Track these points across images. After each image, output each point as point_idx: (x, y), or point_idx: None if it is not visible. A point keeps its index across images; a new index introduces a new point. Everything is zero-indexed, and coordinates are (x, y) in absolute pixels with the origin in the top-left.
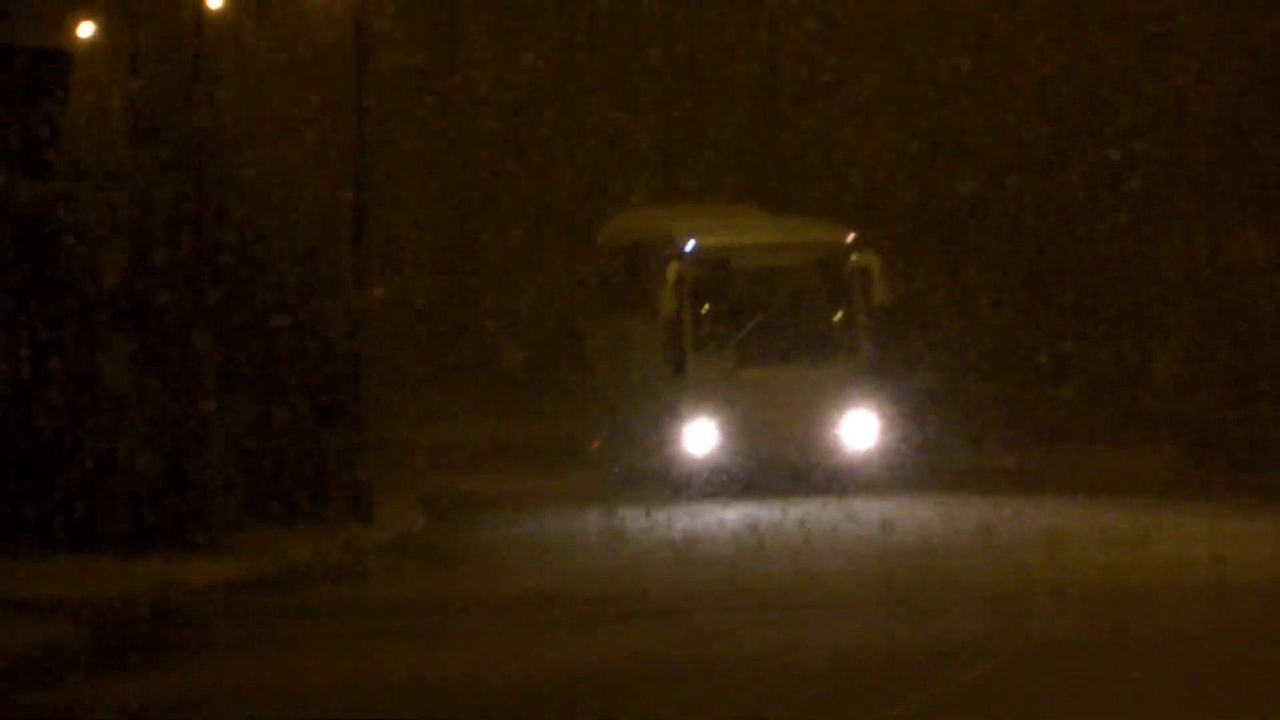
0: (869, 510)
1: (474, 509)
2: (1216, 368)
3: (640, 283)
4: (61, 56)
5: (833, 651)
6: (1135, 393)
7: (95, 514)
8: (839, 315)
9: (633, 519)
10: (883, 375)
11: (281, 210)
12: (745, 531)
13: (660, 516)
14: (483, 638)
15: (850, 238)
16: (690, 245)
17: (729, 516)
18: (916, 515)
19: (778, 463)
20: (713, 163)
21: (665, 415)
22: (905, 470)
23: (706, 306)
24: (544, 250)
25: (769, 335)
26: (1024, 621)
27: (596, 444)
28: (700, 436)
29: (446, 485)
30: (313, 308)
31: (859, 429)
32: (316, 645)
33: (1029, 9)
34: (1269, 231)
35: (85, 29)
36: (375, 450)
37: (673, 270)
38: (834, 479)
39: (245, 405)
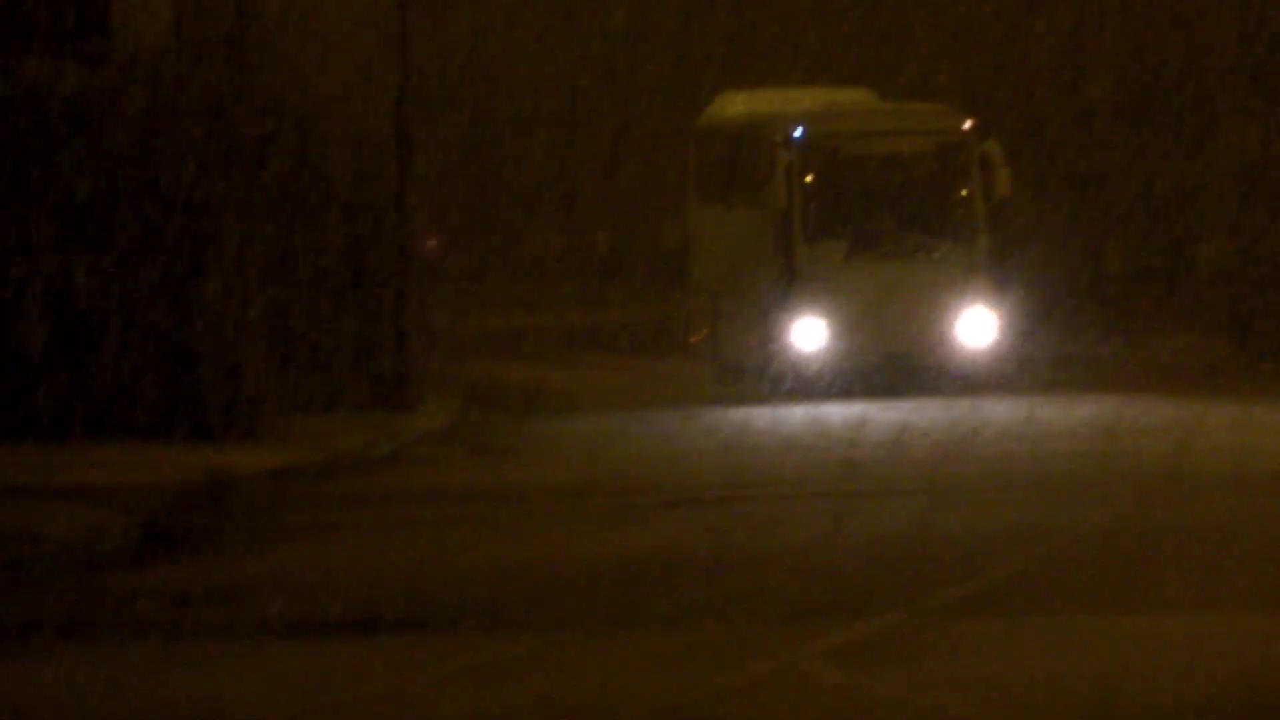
0: (974, 409)
1: (533, 402)
2: (1263, 257)
3: (745, 170)
4: None
5: (879, 538)
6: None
7: (135, 401)
8: (957, 206)
9: (718, 415)
10: (1001, 269)
11: (325, 103)
12: (825, 426)
13: (747, 412)
14: (526, 526)
15: (970, 124)
16: (800, 131)
17: (820, 412)
18: (1016, 411)
19: (889, 360)
20: (811, 44)
21: (771, 309)
22: (1018, 368)
23: (816, 197)
24: (631, 138)
25: (882, 226)
26: (1077, 510)
27: (697, 338)
28: (808, 332)
29: (505, 377)
30: (360, 198)
31: (976, 326)
32: (359, 533)
33: None
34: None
35: None
36: (428, 339)
37: (781, 157)
38: (948, 378)
39: (289, 292)
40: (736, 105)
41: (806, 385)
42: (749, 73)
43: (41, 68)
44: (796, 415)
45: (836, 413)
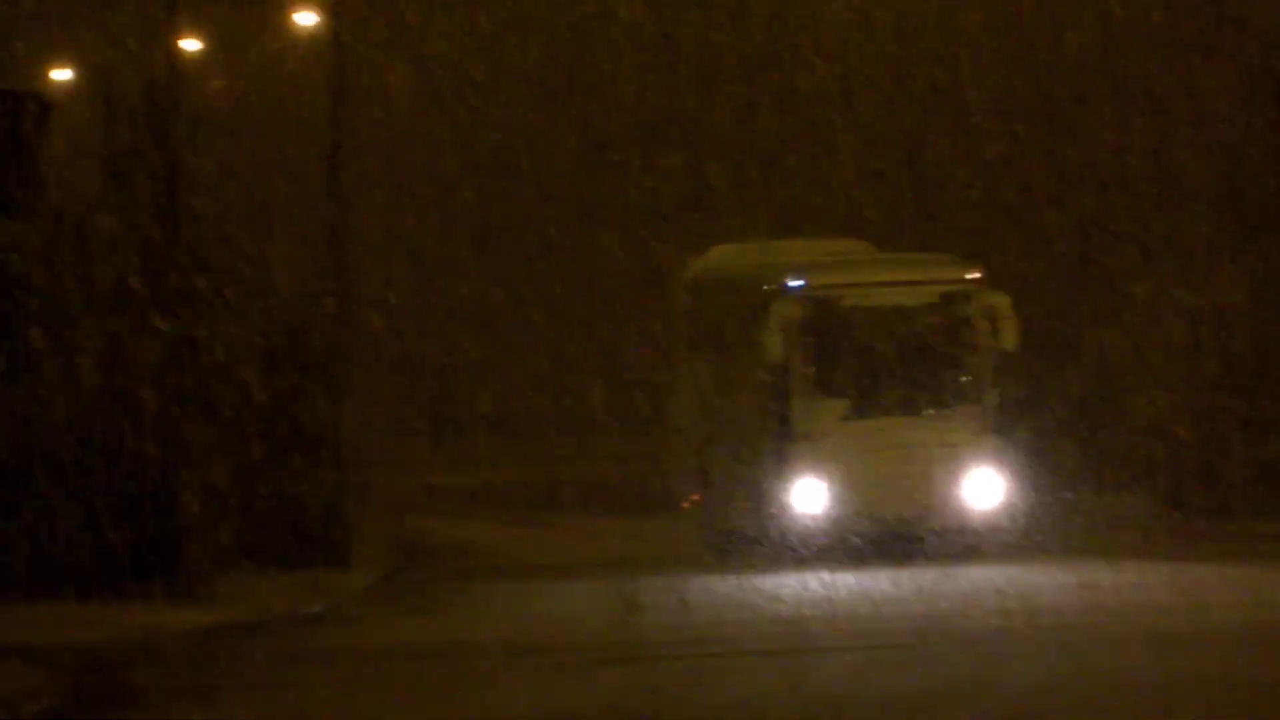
0: (964, 575)
1: (473, 560)
2: (1190, 410)
3: (740, 323)
4: (38, 101)
5: (807, 699)
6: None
7: (74, 558)
8: (963, 360)
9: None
10: (1010, 427)
11: (260, 251)
12: (786, 589)
13: (724, 578)
14: (461, 685)
15: (975, 275)
16: (799, 282)
17: (804, 578)
18: (1002, 577)
19: (893, 525)
20: (799, 198)
21: (767, 469)
22: (1029, 532)
23: (816, 350)
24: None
25: (885, 382)
26: (1006, 666)
27: (688, 503)
28: (807, 494)
29: (448, 534)
30: (293, 350)
31: (984, 487)
32: (296, 692)
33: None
34: (1244, 272)
35: (61, 74)
36: (362, 496)
37: (779, 309)
38: (954, 543)
39: (223, 450)
40: (730, 257)
41: (805, 551)
42: (715, 228)
43: None
44: (772, 580)
45: (817, 579)
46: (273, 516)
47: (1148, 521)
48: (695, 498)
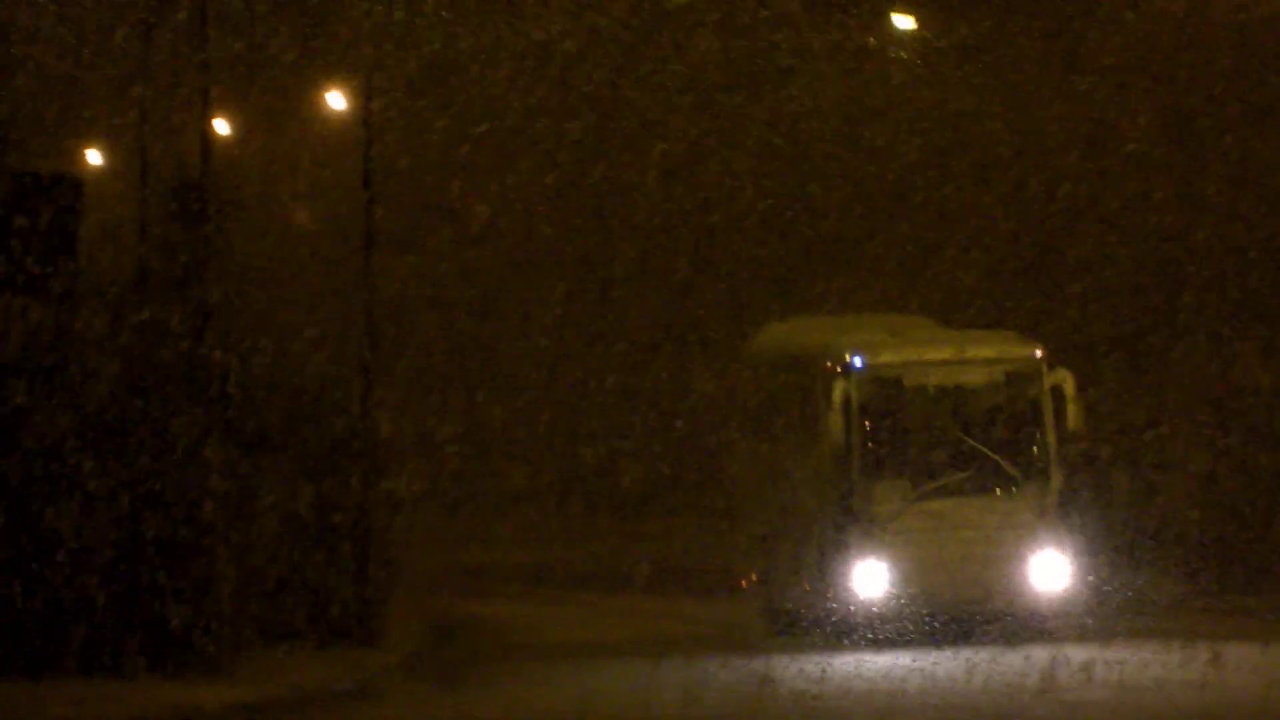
0: (1022, 659)
1: (502, 639)
2: (1220, 492)
3: (798, 401)
4: (72, 182)
5: None
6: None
7: (104, 637)
8: (1027, 441)
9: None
10: (1077, 509)
11: (290, 336)
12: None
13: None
14: None
15: (1039, 352)
16: (859, 361)
17: (855, 659)
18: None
19: (957, 608)
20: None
21: (829, 552)
22: (1098, 616)
23: (877, 430)
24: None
25: (948, 463)
26: None
27: (746, 582)
28: (868, 576)
29: (485, 612)
30: (322, 429)
31: (1049, 570)
32: None
33: None
34: (1271, 354)
35: (93, 156)
36: (391, 573)
37: (839, 388)
38: (1019, 626)
39: (252, 527)
40: (787, 333)
41: (866, 634)
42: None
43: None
44: (826, 662)
45: (874, 660)
46: (303, 595)
47: (1214, 603)
48: (754, 577)
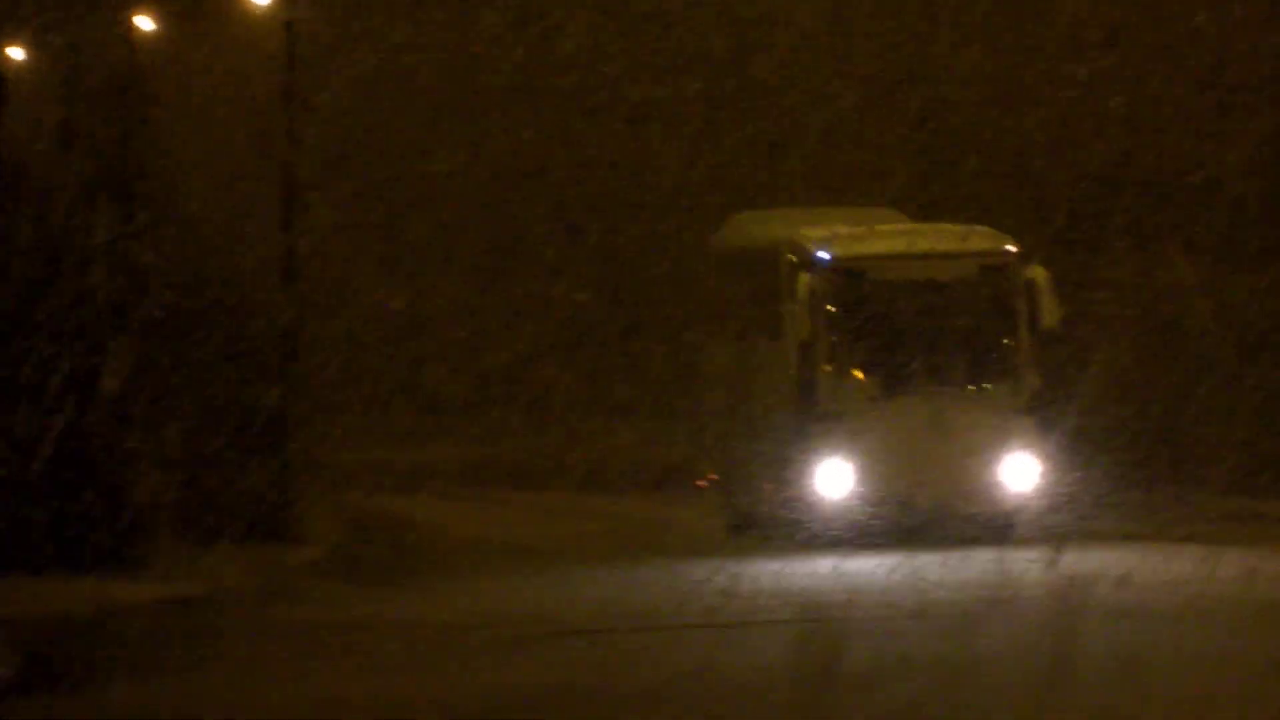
0: (974, 560)
1: (425, 538)
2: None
3: (763, 296)
4: None
5: (758, 669)
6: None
7: (19, 534)
8: (999, 337)
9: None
10: (1050, 407)
11: (212, 234)
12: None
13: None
14: (408, 660)
15: (1014, 247)
16: (825, 253)
17: (802, 562)
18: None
19: (924, 509)
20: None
21: (792, 450)
22: (1070, 518)
23: (843, 326)
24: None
25: (916, 360)
26: (957, 638)
27: (706, 482)
28: (832, 476)
29: (400, 511)
30: (243, 329)
31: (1021, 471)
32: (247, 666)
33: None
34: (1194, 253)
35: (15, 53)
36: (313, 471)
37: (805, 283)
38: (987, 528)
39: (173, 425)
40: (753, 226)
41: (828, 536)
42: (758, 195)
43: None
44: (772, 563)
45: (817, 561)
46: (222, 491)
47: (1181, 506)
48: (712, 476)
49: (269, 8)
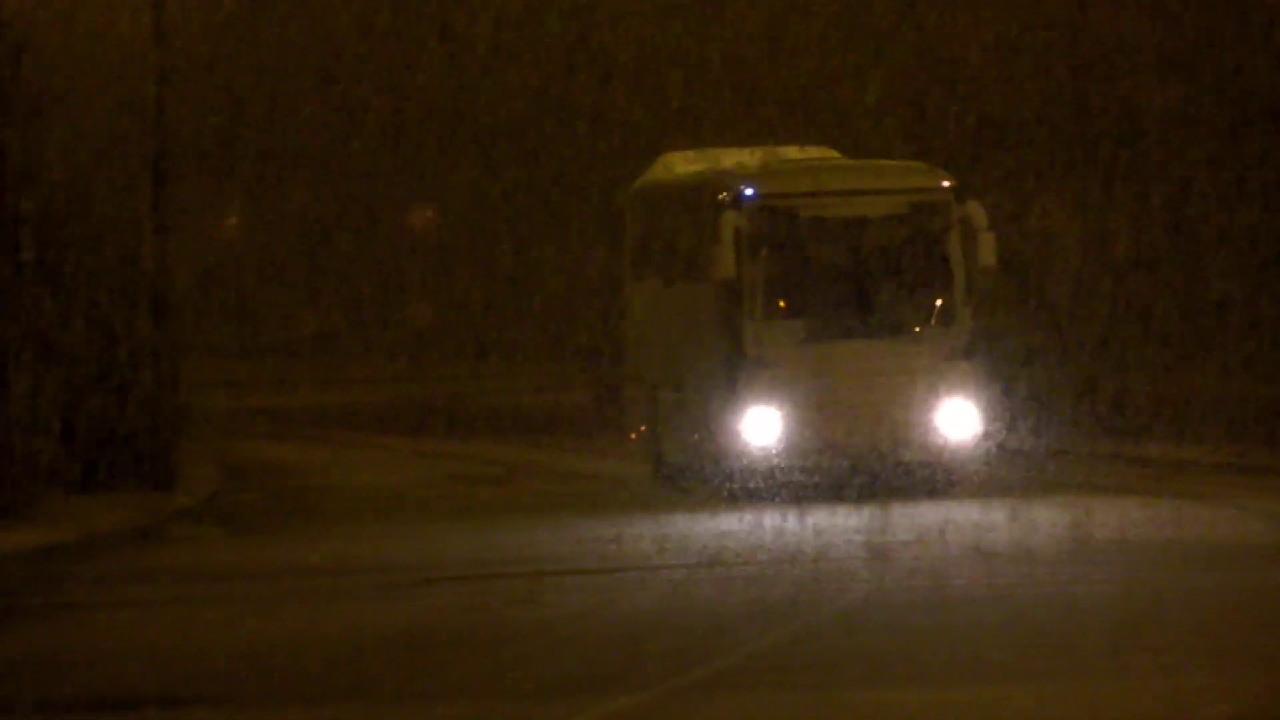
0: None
1: (304, 483)
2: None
3: (688, 239)
4: None
5: (635, 615)
6: None
7: None
8: (934, 278)
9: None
10: (986, 352)
11: (79, 179)
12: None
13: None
14: (284, 605)
15: (948, 183)
16: (750, 191)
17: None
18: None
19: (856, 458)
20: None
21: (716, 398)
22: (1006, 467)
23: (769, 266)
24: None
25: (848, 302)
26: (833, 584)
27: (635, 434)
28: (758, 424)
29: (276, 457)
30: (114, 275)
31: (956, 418)
32: (113, 612)
33: None
34: (1066, 200)
35: None
36: (187, 416)
37: (729, 221)
38: (923, 479)
39: (44, 370)
40: (679, 166)
41: (756, 486)
42: (690, 136)
43: None
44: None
45: (720, 512)
46: (94, 437)
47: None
48: (643, 429)
49: None
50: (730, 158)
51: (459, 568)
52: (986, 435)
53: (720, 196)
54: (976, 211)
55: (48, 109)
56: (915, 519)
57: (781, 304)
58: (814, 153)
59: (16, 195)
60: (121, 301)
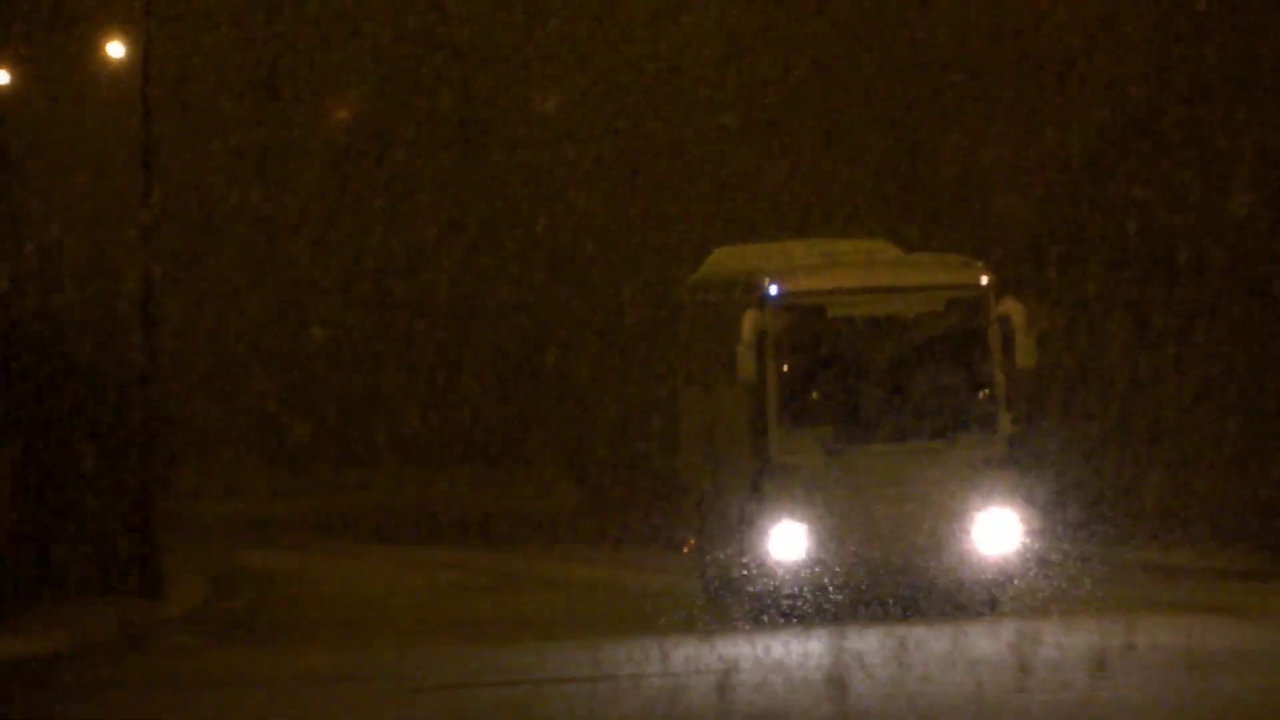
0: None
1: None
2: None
3: (726, 340)
4: None
5: None
6: None
7: None
8: (971, 380)
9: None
10: (1028, 459)
11: (70, 280)
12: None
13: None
14: (270, 712)
15: (986, 278)
16: (776, 288)
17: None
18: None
19: (889, 575)
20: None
21: (745, 512)
22: (1055, 585)
23: (795, 369)
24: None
25: (879, 407)
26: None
27: (688, 547)
28: (784, 540)
29: (273, 565)
30: (101, 380)
31: (997, 531)
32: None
33: None
34: (1048, 301)
35: None
36: (174, 525)
37: (751, 321)
38: (962, 597)
39: (32, 481)
40: (730, 262)
41: (781, 607)
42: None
43: None
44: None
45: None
46: (83, 546)
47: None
48: (691, 541)
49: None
50: (781, 251)
51: (453, 675)
52: (1028, 549)
53: (745, 294)
54: (1014, 308)
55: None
56: (929, 644)
57: (809, 410)
58: (868, 245)
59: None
60: (114, 410)
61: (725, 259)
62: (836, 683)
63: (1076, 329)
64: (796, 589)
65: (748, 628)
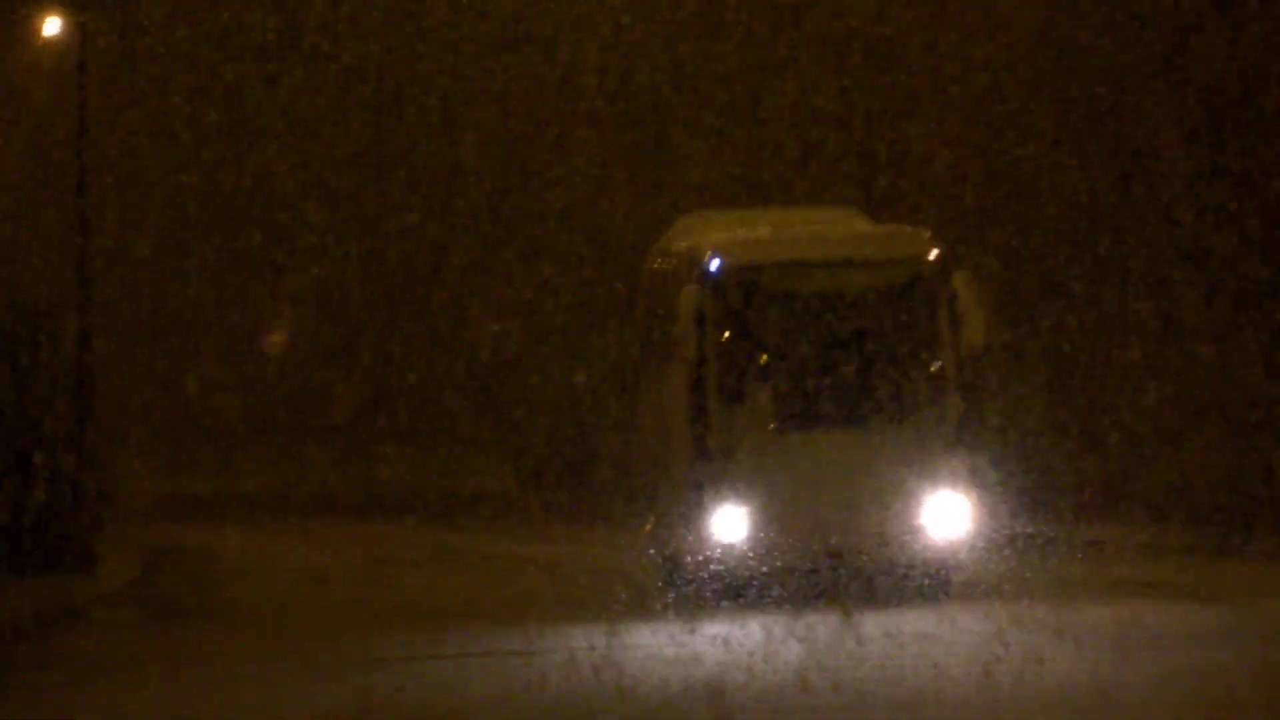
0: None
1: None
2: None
3: (673, 315)
4: None
5: (546, 698)
6: None
7: None
8: (919, 358)
9: None
10: (978, 439)
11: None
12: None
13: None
14: (208, 690)
15: (936, 251)
16: (715, 262)
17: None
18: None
19: (835, 559)
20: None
21: (686, 494)
22: (1007, 567)
23: (735, 347)
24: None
25: (824, 385)
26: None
27: (649, 526)
28: (725, 521)
29: (203, 541)
30: (36, 360)
31: (944, 513)
32: (29, 696)
33: None
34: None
35: None
36: (108, 500)
37: (689, 297)
38: (913, 580)
39: None
40: (688, 232)
41: (726, 588)
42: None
43: None
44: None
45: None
46: (14, 522)
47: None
48: (653, 519)
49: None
50: (740, 221)
51: (389, 650)
52: (979, 531)
53: (688, 271)
54: (964, 282)
55: None
56: (880, 625)
57: (749, 389)
58: (835, 214)
59: None
60: (43, 383)
61: (686, 228)
62: (773, 659)
63: (1007, 303)
64: (742, 572)
65: (694, 607)
